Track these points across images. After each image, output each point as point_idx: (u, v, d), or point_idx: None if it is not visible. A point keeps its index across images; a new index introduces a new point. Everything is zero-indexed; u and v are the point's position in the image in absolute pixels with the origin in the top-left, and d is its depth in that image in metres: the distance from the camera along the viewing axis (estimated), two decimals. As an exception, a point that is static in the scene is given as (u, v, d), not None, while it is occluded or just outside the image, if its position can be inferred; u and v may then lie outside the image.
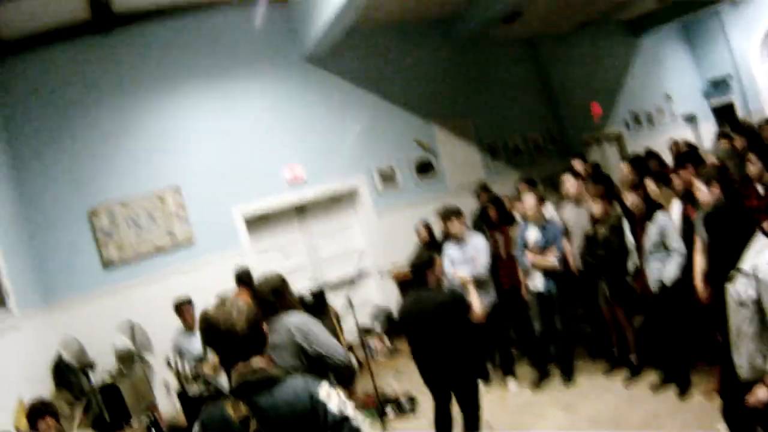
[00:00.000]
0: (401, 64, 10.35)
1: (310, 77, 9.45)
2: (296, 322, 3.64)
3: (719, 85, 15.93)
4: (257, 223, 8.95)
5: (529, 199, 6.43)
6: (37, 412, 4.33)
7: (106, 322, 7.09)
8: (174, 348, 6.42)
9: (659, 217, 5.47)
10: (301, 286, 8.27)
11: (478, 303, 5.22)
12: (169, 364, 6.33)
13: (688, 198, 5.63)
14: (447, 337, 4.68)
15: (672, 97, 15.18)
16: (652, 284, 5.50)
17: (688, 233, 5.39)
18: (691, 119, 15.54)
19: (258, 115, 8.98)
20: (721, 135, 8.21)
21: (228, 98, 8.83)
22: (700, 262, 5.02)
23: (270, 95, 9.15)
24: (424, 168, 10.16)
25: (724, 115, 15.60)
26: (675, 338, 5.46)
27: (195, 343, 6.28)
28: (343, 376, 3.61)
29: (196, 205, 8.28)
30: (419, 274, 4.84)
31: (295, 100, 9.29)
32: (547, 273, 6.29)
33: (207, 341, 5.60)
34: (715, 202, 4.47)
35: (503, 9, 9.91)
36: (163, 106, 8.45)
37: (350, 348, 7.48)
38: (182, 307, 6.52)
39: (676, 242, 5.35)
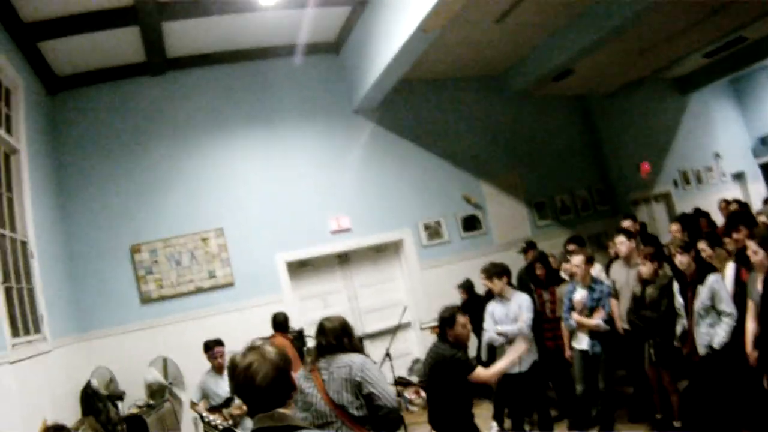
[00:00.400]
0: (451, 118, 10.39)
1: (359, 129, 9.51)
2: (357, 361, 3.70)
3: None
4: (299, 268, 8.92)
5: (577, 259, 6.33)
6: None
7: (141, 356, 7.11)
8: (199, 389, 6.34)
9: (711, 279, 5.34)
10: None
11: (502, 365, 4.93)
12: (193, 404, 6.28)
13: (741, 260, 5.52)
14: (437, 392, 4.78)
15: (721, 155, 14.99)
16: (701, 348, 5.37)
17: (740, 297, 5.27)
18: (739, 177, 15.35)
19: (305, 164, 9.03)
20: None
21: (276, 146, 8.91)
22: (751, 327, 4.88)
23: (318, 145, 9.19)
24: (471, 223, 10.06)
25: None
26: (721, 404, 5.25)
27: (223, 386, 6.19)
28: (389, 420, 3.68)
29: (238, 249, 8.30)
30: (441, 329, 4.85)
31: (342, 149, 9.33)
32: (593, 333, 6.14)
33: (232, 387, 5.53)
34: None
35: (554, 67, 9.96)
36: (212, 149, 8.56)
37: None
38: (213, 349, 6.43)
39: (728, 306, 5.21)
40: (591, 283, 6.28)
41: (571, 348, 6.41)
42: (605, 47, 9.67)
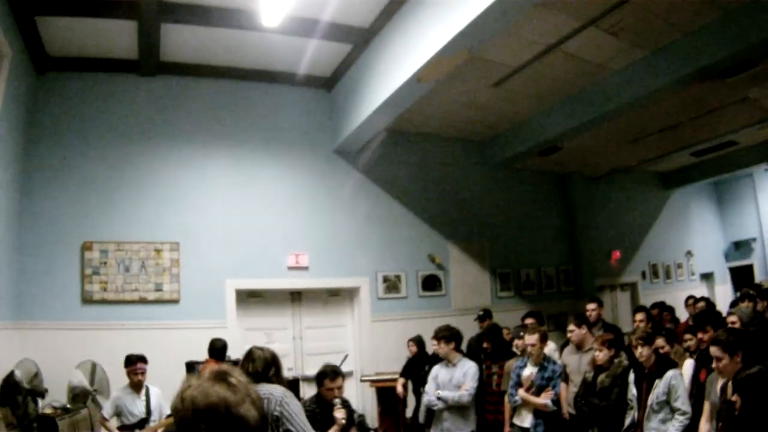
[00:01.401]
0: (429, 176, 10.39)
1: (335, 169, 9.44)
2: (277, 394, 3.47)
3: (741, 246, 16.05)
4: (248, 298, 8.76)
5: (532, 338, 6.22)
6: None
7: (71, 356, 6.85)
8: (112, 404, 6.02)
9: (670, 374, 5.24)
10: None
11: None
12: (103, 419, 6.01)
13: (702, 360, 5.50)
14: None
15: (693, 253, 15.18)
16: None
17: (696, 397, 5.22)
18: (708, 277, 15.52)
19: (274, 193, 8.94)
20: (745, 296, 8.11)
21: (248, 170, 8.82)
22: (705, 429, 4.76)
23: (291, 177, 9.11)
24: (431, 283, 9.98)
25: (741, 276, 15.62)
26: None
27: (139, 405, 5.99)
28: None
29: (190, 267, 8.13)
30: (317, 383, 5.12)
31: (315, 187, 9.24)
32: (537, 413, 6.02)
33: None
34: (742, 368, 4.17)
35: (543, 141, 10.01)
36: (184, 161, 8.44)
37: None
38: (135, 364, 6.09)
39: (684, 404, 5.11)
40: (543, 362, 6.18)
41: (512, 425, 6.25)
42: (596, 130, 9.80)
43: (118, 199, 7.98)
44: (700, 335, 5.97)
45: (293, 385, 7.71)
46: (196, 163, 8.51)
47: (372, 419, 8.72)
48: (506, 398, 6.36)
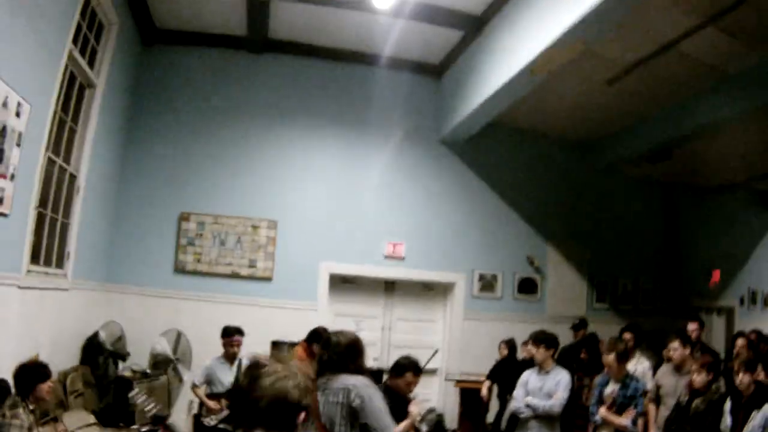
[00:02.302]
0: (533, 174, 10.06)
1: (440, 159, 9.26)
2: (359, 384, 3.35)
3: None
4: (341, 284, 8.72)
5: (609, 359, 5.93)
6: (37, 374, 4.05)
7: (157, 323, 6.99)
8: (205, 372, 6.08)
9: None
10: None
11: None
12: (194, 386, 6.10)
13: None
14: None
15: None
16: None
17: None
18: None
19: (376, 180, 8.86)
20: None
21: (352, 153, 8.78)
22: None
23: (394, 164, 9.00)
24: (527, 286, 9.69)
25: None
26: None
27: (229, 376, 6.01)
28: None
29: (286, 246, 8.16)
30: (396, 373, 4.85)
31: (418, 176, 9.10)
32: None
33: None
34: None
35: (654, 145, 9.56)
36: (287, 140, 8.47)
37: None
38: (232, 336, 6.17)
39: None
40: (625, 379, 5.91)
41: None
42: (707, 139, 9.34)
43: (219, 174, 8.08)
44: None
45: (377, 376, 7.62)
46: (299, 143, 8.52)
47: (452, 420, 8.52)
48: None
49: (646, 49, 7.39)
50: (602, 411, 5.83)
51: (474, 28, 7.72)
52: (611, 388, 5.91)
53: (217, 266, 7.89)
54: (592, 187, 10.70)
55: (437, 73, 9.19)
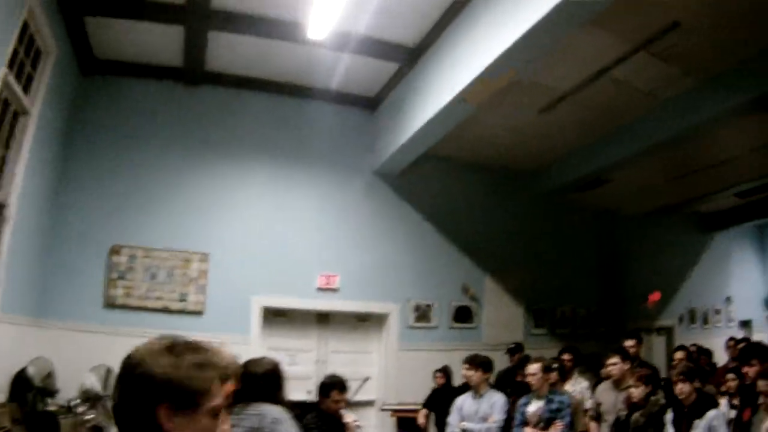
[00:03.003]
0: (468, 205, 10.30)
1: (375, 191, 9.43)
2: (275, 414, 3.40)
3: None
4: (274, 317, 8.73)
5: (533, 367, 6.08)
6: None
7: (87, 358, 6.90)
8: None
9: (711, 414, 5.05)
10: (295, 395, 8.01)
11: None
12: None
13: (746, 397, 5.34)
14: None
15: (732, 299, 14.88)
16: None
17: None
18: (746, 325, 15.15)
19: (310, 212, 8.95)
20: None
21: (286, 186, 8.86)
22: None
23: (328, 197, 9.12)
24: (463, 315, 9.87)
25: None
26: None
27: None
28: None
29: (218, 279, 8.14)
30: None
31: (351, 209, 9.24)
32: None
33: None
34: None
35: (588, 174, 9.93)
36: (221, 172, 8.51)
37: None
38: None
39: None
40: (549, 395, 6.04)
41: None
42: (642, 165, 9.70)
43: (150, 206, 8.06)
44: (744, 369, 5.65)
45: (311, 408, 7.68)
46: (233, 176, 8.57)
47: (389, 452, 8.63)
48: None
49: (578, 76, 7.65)
50: (528, 430, 5.93)
51: (409, 60, 7.92)
52: (535, 407, 6.01)
53: (148, 300, 7.84)
54: (529, 216, 11.01)
55: (373, 105, 9.38)
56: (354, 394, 7.77)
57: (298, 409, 7.47)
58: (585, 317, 11.53)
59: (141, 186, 8.07)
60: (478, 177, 10.58)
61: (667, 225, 13.66)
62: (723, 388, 6.56)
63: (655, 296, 12.36)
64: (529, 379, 6.07)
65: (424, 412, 7.87)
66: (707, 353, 9.43)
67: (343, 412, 5.04)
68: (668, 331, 13.33)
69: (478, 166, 10.56)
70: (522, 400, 6.21)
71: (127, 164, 8.06)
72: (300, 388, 8.42)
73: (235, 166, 8.63)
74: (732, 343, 9.85)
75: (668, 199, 12.50)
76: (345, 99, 9.14)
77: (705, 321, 14.12)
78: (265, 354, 8.14)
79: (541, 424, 5.88)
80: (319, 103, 9.12)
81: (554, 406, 5.93)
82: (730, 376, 6.36)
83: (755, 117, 8.16)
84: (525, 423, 6.01)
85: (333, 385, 5.06)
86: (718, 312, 14.55)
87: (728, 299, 14.86)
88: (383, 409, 8.73)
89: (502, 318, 10.32)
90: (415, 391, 8.47)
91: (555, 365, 6.73)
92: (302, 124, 9.10)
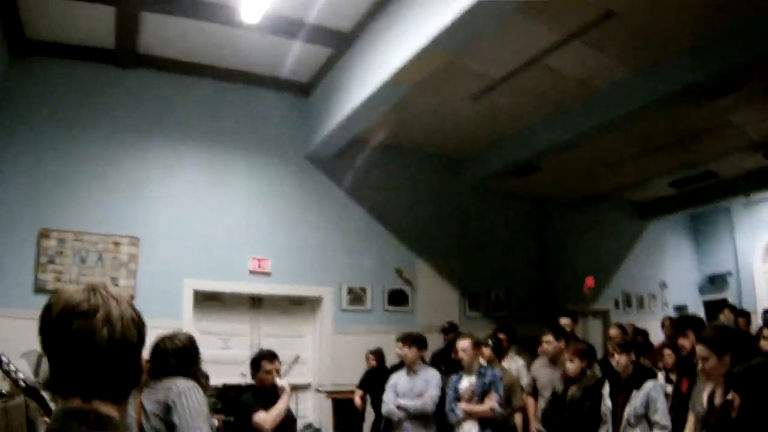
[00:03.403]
0: (401, 189, 10.49)
1: (307, 176, 9.52)
2: (182, 386, 3.42)
3: (716, 281, 16.13)
4: (206, 301, 8.74)
5: (463, 343, 6.11)
6: None
7: (17, 346, 6.82)
8: None
9: (649, 385, 5.08)
10: (229, 379, 8.12)
11: (280, 406, 5.01)
12: None
13: (684, 370, 5.39)
14: None
15: (667, 285, 15.38)
16: None
17: (676, 411, 5.03)
18: (681, 310, 15.58)
19: (241, 195, 8.98)
20: (726, 306, 8.20)
21: (218, 170, 8.87)
22: None
23: (260, 181, 9.18)
24: (397, 298, 10.03)
25: (716, 311, 15.61)
26: None
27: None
28: None
29: (149, 263, 8.11)
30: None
31: (284, 193, 9.32)
32: (484, 422, 5.86)
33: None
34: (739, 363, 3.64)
35: (520, 160, 10.15)
36: (152, 156, 8.47)
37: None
38: None
39: (664, 417, 4.95)
40: (480, 369, 6.09)
41: None
42: (574, 152, 9.94)
43: (80, 189, 7.96)
44: (680, 341, 5.69)
45: (245, 390, 7.75)
46: (164, 160, 8.54)
47: (327, 434, 8.71)
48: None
49: (512, 64, 7.79)
50: (463, 405, 5.93)
51: (343, 45, 7.99)
52: (467, 382, 6.03)
53: (78, 285, 7.73)
54: (462, 201, 11.24)
55: (306, 90, 9.43)
56: (286, 372, 7.88)
57: (232, 392, 7.60)
58: (521, 300, 11.82)
59: (71, 169, 7.96)
60: (411, 162, 10.76)
61: (602, 212, 14.06)
62: (660, 364, 6.70)
63: (590, 282, 12.74)
64: (461, 354, 6.10)
65: (359, 393, 7.96)
66: (643, 333, 9.70)
67: (276, 380, 5.11)
68: (604, 315, 13.68)
69: (411, 152, 10.73)
70: (453, 378, 6.23)
71: (58, 147, 7.93)
72: (234, 372, 8.50)
73: (166, 150, 8.59)
74: (668, 322, 9.98)
75: (603, 186, 12.84)
76: (279, 84, 9.18)
77: (641, 305, 14.54)
78: (199, 338, 8.28)
79: (475, 399, 5.91)
80: (252, 88, 9.16)
81: (487, 380, 5.95)
82: (667, 351, 6.44)
83: (688, 106, 8.50)
84: (458, 399, 6.02)
85: (261, 356, 5.19)
86: (653, 297, 15.01)
87: (663, 285, 15.34)
88: (318, 391, 8.82)
89: (436, 301, 10.49)
90: (351, 374, 8.55)
91: (488, 341, 6.78)
92: (235, 108, 9.11)
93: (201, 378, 3.76)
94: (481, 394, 5.93)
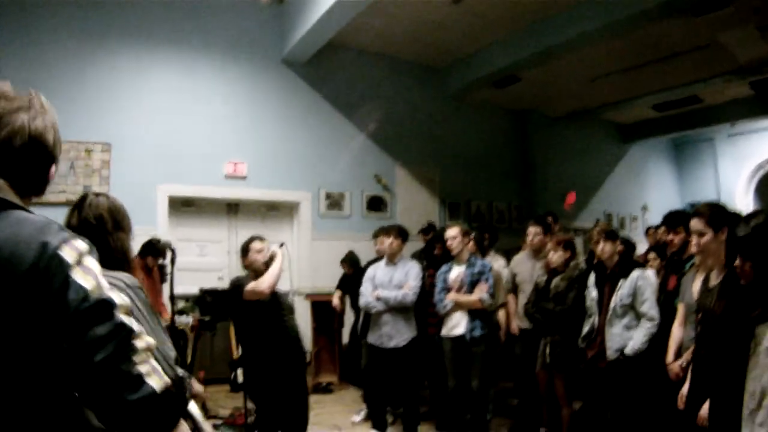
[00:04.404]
0: (381, 95, 10.49)
1: (283, 80, 9.48)
2: (130, 282, 2.64)
3: None
4: (182, 207, 8.81)
5: (453, 231, 6.05)
6: None
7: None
8: None
9: (636, 274, 4.99)
10: (208, 283, 8.33)
11: (275, 268, 5.09)
12: None
13: (672, 267, 5.38)
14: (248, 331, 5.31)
15: (648, 208, 15.66)
16: (610, 352, 4.97)
17: (664, 305, 5.00)
18: None
19: (216, 100, 8.94)
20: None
21: (191, 74, 8.80)
22: (677, 334, 4.39)
23: (235, 84, 9.13)
24: (376, 204, 10.17)
25: None
26: (622, 421, 4.91)
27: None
28: None
29: (122, 170, 8.11)
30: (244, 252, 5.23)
31: (259, 97, 9.29)
32: (473, 314, 5.86)
33: None
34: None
35: (500, 69, 10.08)
36: (121, 60, 8.35)
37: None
38: None
39: (652, 308, 4.88)
40: (470, 259, 6.05)
41: (440, 338, 6.13)
42: (555, 63, 9.93)
43: (48, 95, 7.41)
44: (670, 236, 5.59)
45: (226, 294, 7.90)
46: (134, 64, 8.43)
47: (307, 339, 8.94)
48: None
49: None
50: (452, 295, 5.90)
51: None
52: (457, 272, 6.02)
53: (50, 194, 7.73)
54: (442, 111, 11.27)
55: (280, -3, 9.23)
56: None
57: (208, 296, 7.77)
58: (502, 213, 12.02)
59: (38, 74, 7.83)
60: (389, 70, 10.73)
61: (585, 131, 14.15)
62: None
63: (571, 197, 12.89)
64: (450, 243, 6.03)
65: (338, 293, 8.05)
66: (630, 245, 9.82)
67: (270, 247, 5.19)
68: (586, 233, 13.74)
69: (389, 59, 10.69)
70: (443, 268, 6.18)
71: (24, 50, 7.82)
72: (211, 278, 8.70)
73: (136, 54, 8.48)
74: (651, 231, 10.08)
75: (585, 102, 12.88)
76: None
77: (622, 226, 14.76)
78: (175, 245, 8.41)
79: (464, 288, 5.89)
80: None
81: (476, 269, 5.94)
82: (652, 255, 6.49)
83: (673, 22, 8.45)
84: (447, 289, 5.99)
85: (250, 240, 5.19)
86: (634, 219, 15.31)
87: (645, 208, 15.62)
88: (298, 294, 8.94)
89: (416, 208, 10.62)
90: (331, 280, 8.63)
91: (473, 233, 6.74)
92: (208, 10, 8.97)
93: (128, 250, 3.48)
94: (470, 284, 5.92)
